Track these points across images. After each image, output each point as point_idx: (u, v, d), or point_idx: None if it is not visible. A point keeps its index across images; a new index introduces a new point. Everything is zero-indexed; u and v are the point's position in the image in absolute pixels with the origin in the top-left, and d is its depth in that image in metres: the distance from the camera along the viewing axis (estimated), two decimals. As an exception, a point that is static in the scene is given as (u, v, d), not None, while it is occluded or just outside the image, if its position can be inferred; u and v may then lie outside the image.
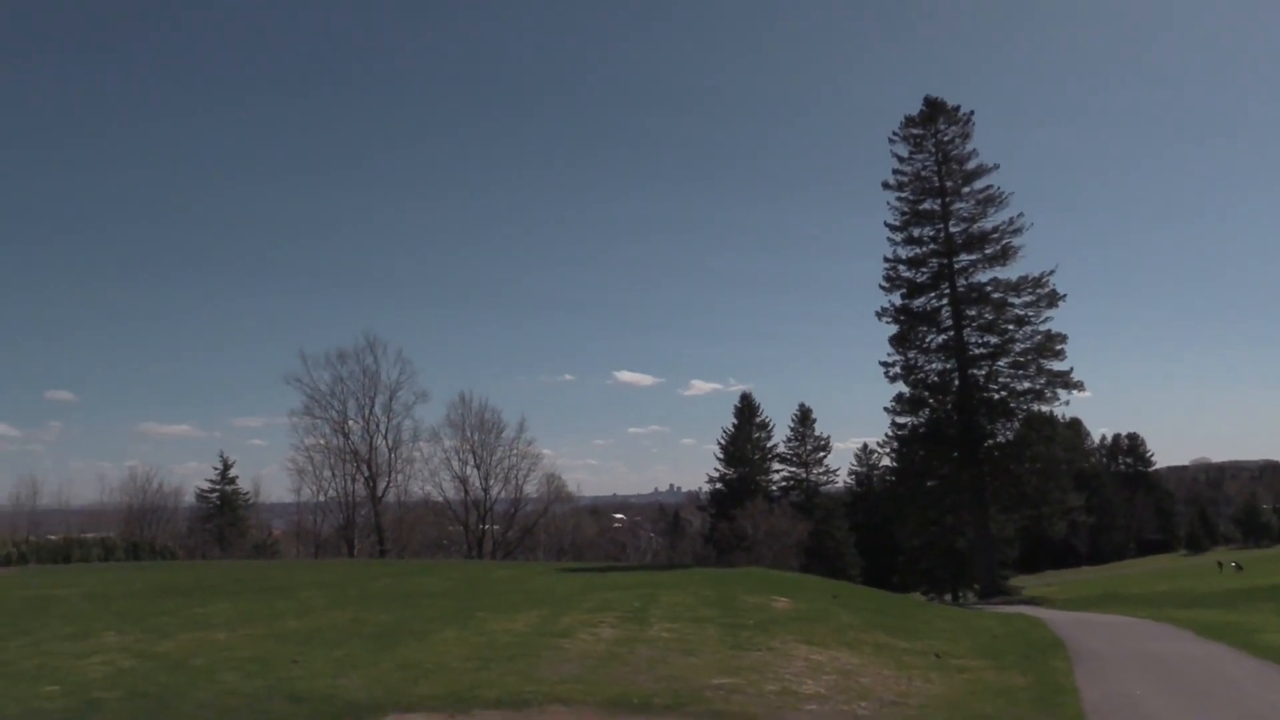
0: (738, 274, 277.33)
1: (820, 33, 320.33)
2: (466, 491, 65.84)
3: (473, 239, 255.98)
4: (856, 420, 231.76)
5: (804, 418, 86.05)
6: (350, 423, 65.27)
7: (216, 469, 76.56)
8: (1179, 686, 13.49)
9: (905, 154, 52.93)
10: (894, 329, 52.98)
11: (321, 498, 66.88)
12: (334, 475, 65.29)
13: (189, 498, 75.19)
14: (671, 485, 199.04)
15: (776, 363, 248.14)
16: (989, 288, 51.18)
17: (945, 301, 52.36)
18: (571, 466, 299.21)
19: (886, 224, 53.42)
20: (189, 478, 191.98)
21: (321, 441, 65.12)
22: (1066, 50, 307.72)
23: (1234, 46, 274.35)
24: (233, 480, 76.64)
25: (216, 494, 75.91)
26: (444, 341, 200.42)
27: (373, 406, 65.42)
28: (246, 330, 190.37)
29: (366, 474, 64.73)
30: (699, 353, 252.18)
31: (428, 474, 68.91)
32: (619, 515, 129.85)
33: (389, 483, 66.06)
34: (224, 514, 73.91)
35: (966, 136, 52.26)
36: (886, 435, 55.66)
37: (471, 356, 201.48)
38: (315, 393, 64.29)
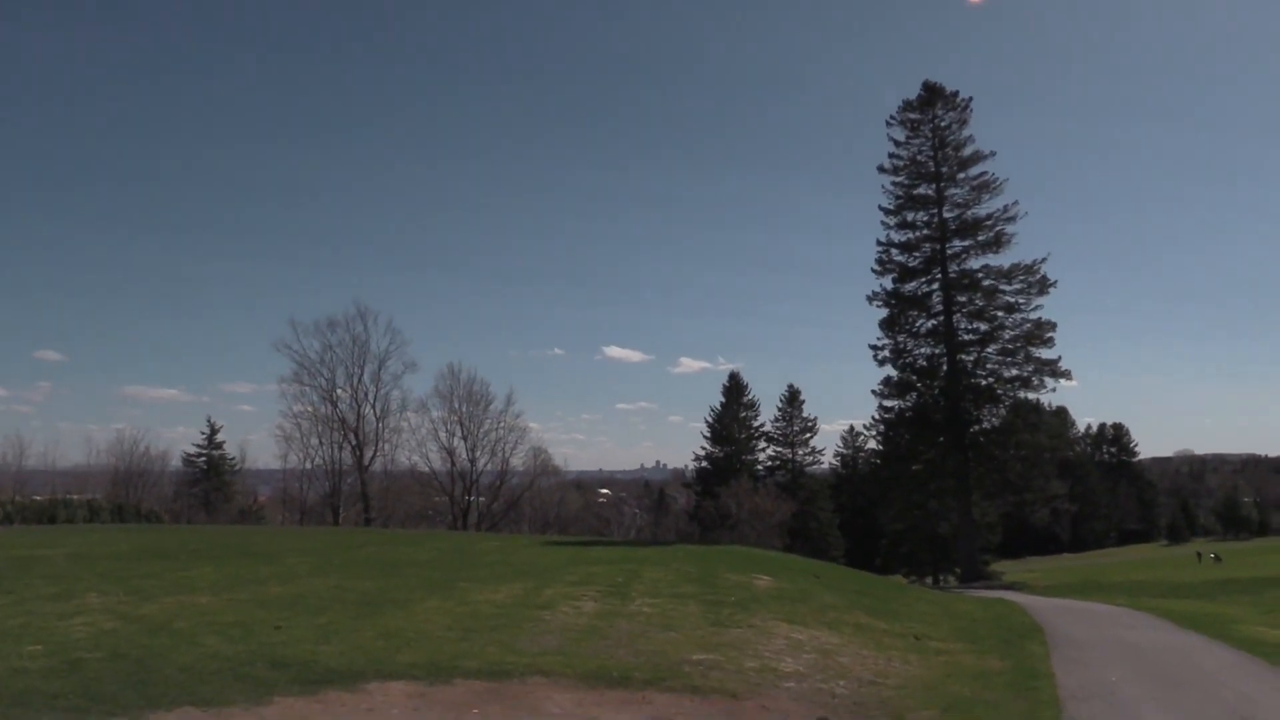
0: (731, 252, 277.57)
1: (818, 7, 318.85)
2: (453, 463, 65.95)
3: (466, 209, 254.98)
4: (844, 403, 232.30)
5: (792, 398, 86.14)
6: (339, 391, 65.29)
7: (204, 434, 76.95)
8: (1155, 675, 13.62)
9: (902, 138, 53.09)
10: (884, 313, 53.32)
11: (308, 465, 66.85)
12: (321, 443, 65.34)
13: (175, 462, 75.53)
14: (658, 462, 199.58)
15: (766, 343, 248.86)
16: (980, 274, 51.39)
17: (936, 287, 52.63)
18: (558, 440, 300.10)
19: (881, 207, 53.70)
20: (176, 442, 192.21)
21: (309, 409, 65.11)
22: (1063, 36, 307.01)
23: (1234, 32, 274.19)
24: (220, 445, 76.89)
25: (203, 459, 76.05)
26: (435, 312, 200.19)
27: (361, 375, 65.35)
28: (238, 295, 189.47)
29: (353, 443, 64.79)
30: (689, 330, 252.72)
31: (415, 444, 69.47)
32: (604, 490, 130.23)
33: (376, 452, 66.22)
34: (210, 479, 74.11)
35: (964, 122, 52.32)
36: (873, 418, 56.14)
37: (462, 328, 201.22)
38: (305, 360, 64.10)
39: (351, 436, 64.83)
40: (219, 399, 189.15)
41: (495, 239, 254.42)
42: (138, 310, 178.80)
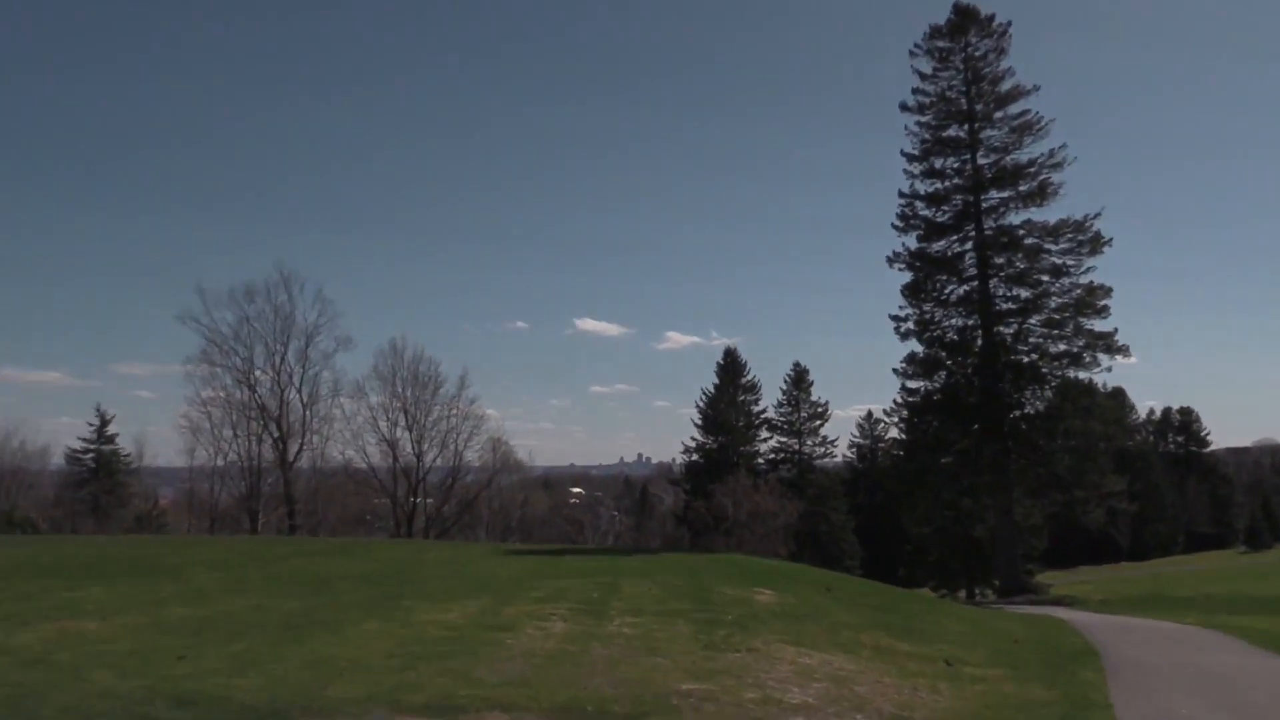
0: (725, 206, 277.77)
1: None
2: (396, 458, 66.03)
3: (408, 156, 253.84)
4: (860, 384, 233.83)
5: (799, 379, 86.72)
6: (258, 373, 65.13)
7: (92, 425, 76.57)
8: (1234, 707, 13.56)
9: (928, 70, 52.78)
10: (908, 277, 53.18)
11: (220, 462, 66.59)
12: (236, 435, 65.12)
13: (57, 459, 75.27)
14: (640, 455, 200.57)
15: (768, 313, 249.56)
16: (1021, 231, 51.32)
17: (969, 246, 52.55)
18: (522, 430, 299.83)
19: (903, 153, 53.46)
20: (58, 435, 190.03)
21: (222, 394, 64.85)
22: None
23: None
24: (111, 439, 76.52)
25: (91, 455, 75.68)
26: (373, 279, 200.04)
27: (285, 354, 65.30)
28: (131, 258, 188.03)
29: (276, 434, 64.65)
30: (677, 299, 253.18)
31: (349, 436, 68.11)
32: (577, 489, 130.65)
33: (303, 445, 66.17)
34: (100, 479, 73.76)
35: (1002, 52, 52.00)
36: (895, 402, 55.96)
37: (406, 297, 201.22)
38: (215, 336, 63.87)
39: (273, 427, 64.72)
40: (110, 383, 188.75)
41: (444, 191, 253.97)
42: (7, 276, 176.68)
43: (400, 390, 66.64)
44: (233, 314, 64.57)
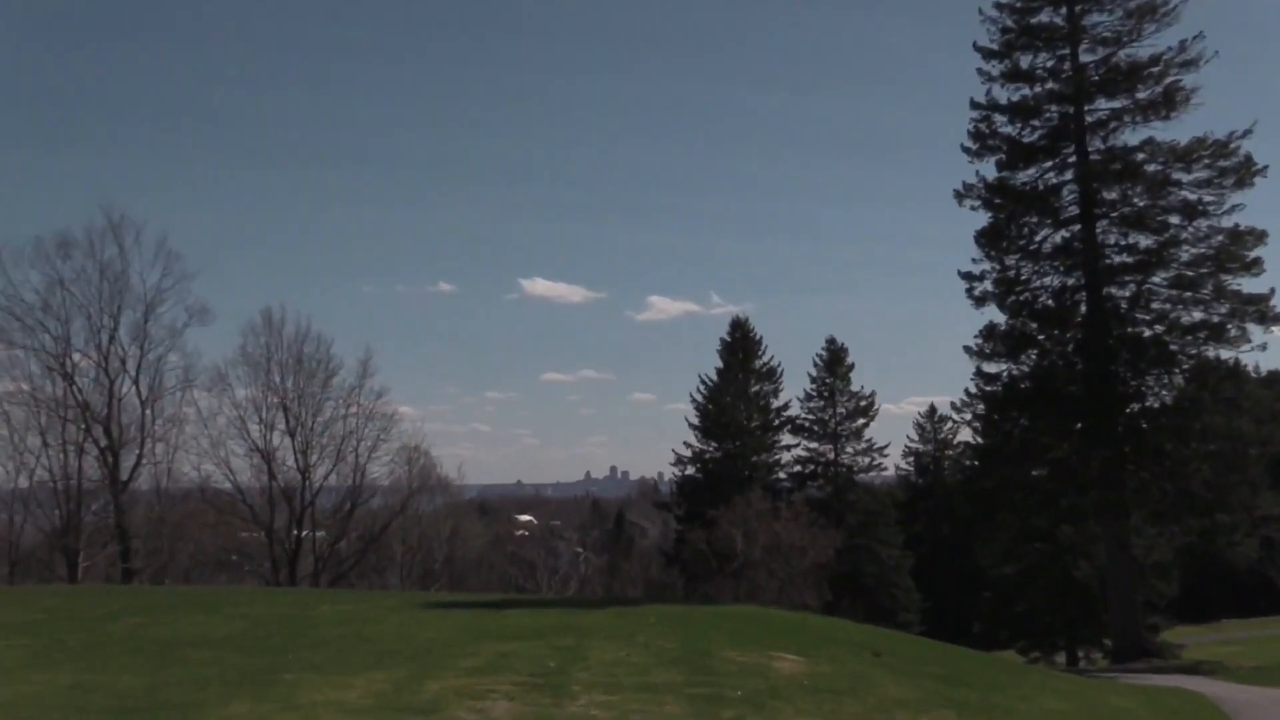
0: (731, 119, 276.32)
1: None
2: (273, 474, 65.40)
3: (286, 63, 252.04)
4: (919, 368, 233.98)
5: (834, 361, 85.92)
6: (77, 357, 64.38)
7: None
8: None
9: (1010, -72, 52.62)
10: (984, 219, 53.32)
11: (24, 483, 65.01)
12: (47, 445, 63.81)
13: None
14: (614, 469, 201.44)
15: (791, 271, 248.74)
16: (1140, 155, 51.03)
17: (1068, 175, 52.55)
18: (448, 436, 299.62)
19: (977, 47, 53.48)
20: None
21: (26, 388, 63.62)
22: None
23: None
24: None
25: None
26: (238, 228, 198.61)
27: (115, 330, 64.66)
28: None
29: (104, 443, 63.84)
30: (661, 253, 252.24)
31: (207, 444, 66.98)
32: (526, 516, 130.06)
33: (141, 458, 65.53)
34: None
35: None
36: (967, 394, 55.84)
37: (285, 253, 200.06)
38: (15, 304, 62.89)
39: (100, 433, 63.89)
40: None
41: (333, 107, 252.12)
42: None
43: (278, 381, 66.07)
44: (40, 274, 63.51)
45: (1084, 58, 52.16)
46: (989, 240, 53.13)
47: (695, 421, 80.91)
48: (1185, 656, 51.93)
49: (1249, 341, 50.14)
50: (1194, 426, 49.87)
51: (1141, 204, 51.37)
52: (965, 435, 69.17)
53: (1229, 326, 49.93)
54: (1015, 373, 53.73)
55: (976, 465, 60.52)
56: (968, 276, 53.59)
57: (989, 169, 53.47)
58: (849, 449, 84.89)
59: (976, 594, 77.18)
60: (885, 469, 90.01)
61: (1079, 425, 51.79)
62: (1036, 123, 53.14)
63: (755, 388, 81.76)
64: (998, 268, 53.25)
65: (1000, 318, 53.44)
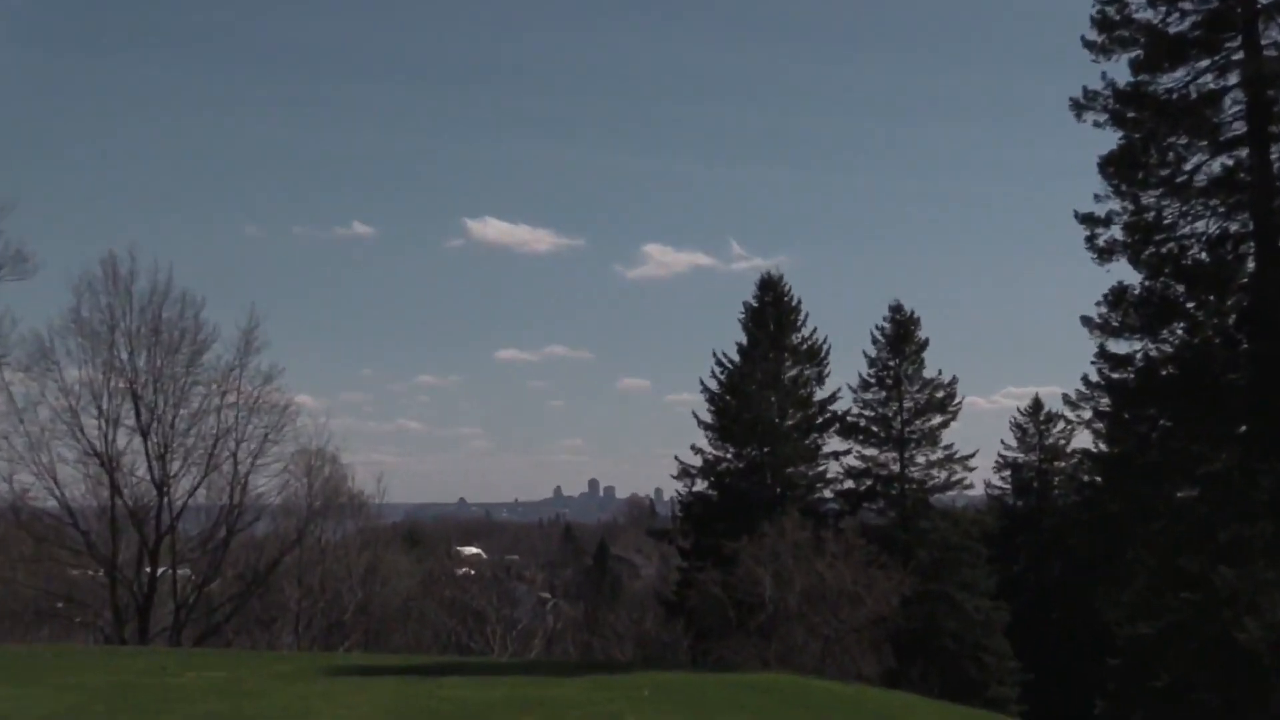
0: (750, 21, 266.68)
1: None
2: (116, 489, 56.69)
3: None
4: (1017, 349, 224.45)
5: (901, 336, 74.62)
6: None
7: None
8: None
9: None
10: (1111, 139, 46.60)
11: None
12: None
13: None
14: (594, 483, 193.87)
15: (839, 215, 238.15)
16: (1331, 50, 46.60)
17: (1232, 80, 45.92)
18: (366, 435, 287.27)
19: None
20: None
21: None
22: None
23: None
24: None
25: None
26: (68, 142, 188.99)
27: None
28: None
29: None
30: (663, 187, 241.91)
31: (23, 446, 58.68)
32: (471, 549, 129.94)
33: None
34: None
35: None
36: (1086, 383, 48.52)
37: (135, 179, 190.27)
38: None
39: None
40: None
41: None
42: None
43: (125, 358, 56.73)
44: None
45: (1256, -87, 48.04)
46: (1119, 170, 45.93)
47: (709, 419, 71.85)
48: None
49: None
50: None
51: (1334, 118, 47.05)
52: (1083, 440, 62.91)
53: None
54: (1154, 354, 46.55)
55: (1099, 482, 56.06)
56: (1088, 220, 46.36)
57: (1120, 70, 46.43)
58: (920, 458, 74.69)
59: (1098, 661, 68.02)
60: (971, 486, 79.96)
61: (1243, 428, 45.84)
62: (1188, 5, 46.19)
63: (792, 372, 71.88)
64: (1131, 207, 46.14)
65: (1134, 277, 46.28)
